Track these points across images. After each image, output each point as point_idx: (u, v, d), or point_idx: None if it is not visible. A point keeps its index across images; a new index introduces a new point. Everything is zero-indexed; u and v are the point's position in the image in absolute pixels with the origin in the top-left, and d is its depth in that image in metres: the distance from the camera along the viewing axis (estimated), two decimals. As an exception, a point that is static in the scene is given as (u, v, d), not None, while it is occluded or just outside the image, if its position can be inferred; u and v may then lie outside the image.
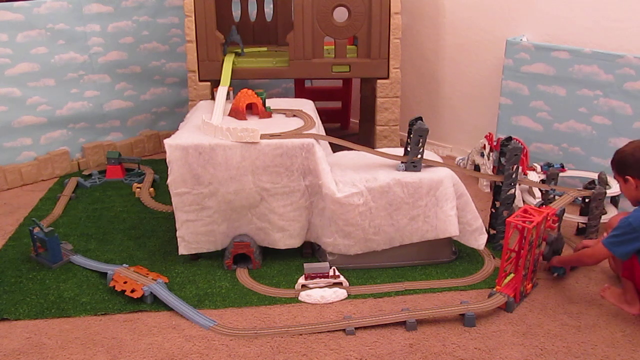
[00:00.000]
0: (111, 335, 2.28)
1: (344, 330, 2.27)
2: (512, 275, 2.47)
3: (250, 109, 2.93)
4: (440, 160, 2.78)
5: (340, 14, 3.42)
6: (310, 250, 2.82)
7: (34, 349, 2.20)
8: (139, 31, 3.96)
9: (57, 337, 2.27)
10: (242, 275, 2.67)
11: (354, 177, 2.62)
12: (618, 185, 2.47)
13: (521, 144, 2.79)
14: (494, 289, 2.43)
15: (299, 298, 2.49)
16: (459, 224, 2.66)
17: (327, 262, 2.66)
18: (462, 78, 3.92)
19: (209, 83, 3.47)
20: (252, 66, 3.49)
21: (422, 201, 2.60)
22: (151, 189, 3.54)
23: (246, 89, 2.94)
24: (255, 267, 2.72)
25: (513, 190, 2.78)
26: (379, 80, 3.49)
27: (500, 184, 2.76)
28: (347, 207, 2.57)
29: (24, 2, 3.48)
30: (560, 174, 3.14)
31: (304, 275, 2.56)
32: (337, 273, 2.57)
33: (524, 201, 3.06)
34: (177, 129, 2.86)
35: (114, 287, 2.51)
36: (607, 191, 2.89)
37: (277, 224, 2.68)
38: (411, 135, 2.67)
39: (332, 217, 2.60)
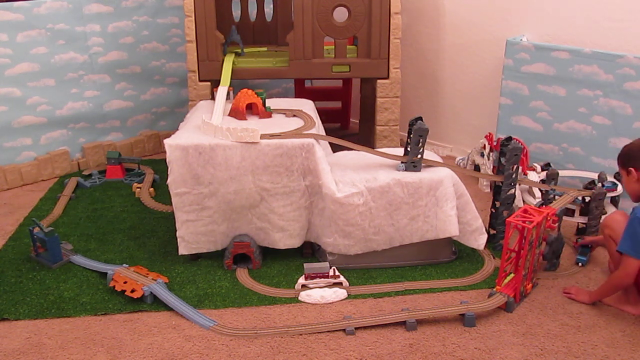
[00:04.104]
0: (111, 335, 2.28)
1: (344, 330, 2.27)
2: (512, 275, 2.47)
3: (250, 109, 2.93)
4: (440, 160, 2.78)
5: (340, 14, 3.42)
6: (310, 250, 2.82)
7: (34, 349, 2.20)
8: (139, 31, 3.96)
9: (57, 337, 2.27)
10: (242, 275, 2.67)
11: (354, 177, 2.62)
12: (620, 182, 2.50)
13: (521, 144, 2.79)
14: (494, 289, 2.43)
15: (299, 298, 2.49)
16: (459, 224, 2.66)
17: (327, 262, 2.66)
18: (462, 78, 3.92)
19: (209, 83, 3.47)
20: (252, 66, 3.49)
21: (422, 201, 2.60)
22: (151, 189, 3.54)
23: (246, 89, 2.94)
24: (255, 267, 2.72)
25: (513, 190, 2.78)
26: (379, 80, 3.49)
27: (500, 184, 2.76)
28: (347, 207, 2.57)
29: (24, 2, 3.47)
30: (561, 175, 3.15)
31: (304, 275, 2.56)
32: (337, 273, 2.57)
33: (524, 201, 3.06)
34: (177, 129, 2.86)
35: (114, 287, 2.51)
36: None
37: (277, 224, 2.68)
38: (411, 135, 2.67)
39: (332, 217, 2.60)
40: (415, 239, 2.66)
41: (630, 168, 2.32)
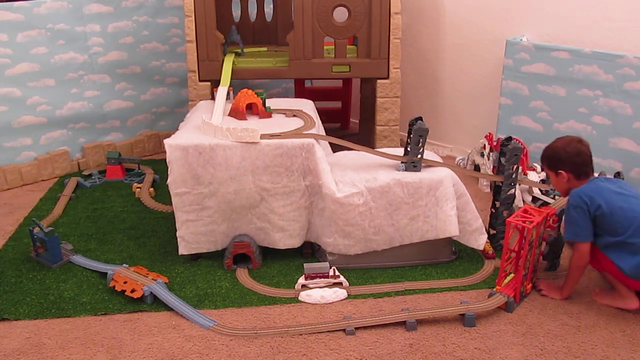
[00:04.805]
0: (111, 335, 2.28)
1: (344, 330, 2.27)
2: (512, 275, 2.47)
3: (250, 109, 2.93)
4: (440, 160, 2.78)
5: (340, 14, 3.42)
6: (310, 250, 2.82)
7: (34, 349, 2.20)
8: (139, 31, 3.96)
9: (57, 337, 2.27)
10: (242, 275, 2.67)
11: (354, 177, 2.62)
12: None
13: (521, 144, 2.80)
14: (494, 289, 2.43)
15: (299, 298, 2.49)
16: (459, 224, 2.66)
17: (327, 262, 2.66)
18: (462, 78, 3.92)
19: (209, 83, 3.47)
20: (252, 66, 3.50)
21: (422, 201, 2.60)
22: (151, 189, 3.54)
23: (246, 89, 2.94)
24: (255, 267, 2.72)
25: (513, 190, 2.78)
26: (379, 80, 3.49)
27: (500, 184, 2.76)
28: (347, 207, 2.57)
29: (24, 2, 3.48)
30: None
31: (304, 275, 2.56)
32: (337, 273, 2.57)
33: (524, 201, 3.06)
34: (177, 129, 2.87)
35: (114, 287, 2.51)
36: None
37: (277, 224, 2.68)
38: (411, 135, 2.67)
39: (332, 217, 2.60)
40: (415, 239, 2.66)
41: (560, 170, 2.41)
